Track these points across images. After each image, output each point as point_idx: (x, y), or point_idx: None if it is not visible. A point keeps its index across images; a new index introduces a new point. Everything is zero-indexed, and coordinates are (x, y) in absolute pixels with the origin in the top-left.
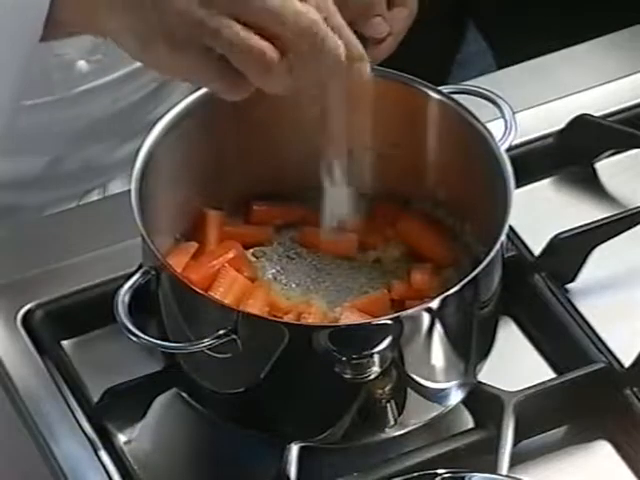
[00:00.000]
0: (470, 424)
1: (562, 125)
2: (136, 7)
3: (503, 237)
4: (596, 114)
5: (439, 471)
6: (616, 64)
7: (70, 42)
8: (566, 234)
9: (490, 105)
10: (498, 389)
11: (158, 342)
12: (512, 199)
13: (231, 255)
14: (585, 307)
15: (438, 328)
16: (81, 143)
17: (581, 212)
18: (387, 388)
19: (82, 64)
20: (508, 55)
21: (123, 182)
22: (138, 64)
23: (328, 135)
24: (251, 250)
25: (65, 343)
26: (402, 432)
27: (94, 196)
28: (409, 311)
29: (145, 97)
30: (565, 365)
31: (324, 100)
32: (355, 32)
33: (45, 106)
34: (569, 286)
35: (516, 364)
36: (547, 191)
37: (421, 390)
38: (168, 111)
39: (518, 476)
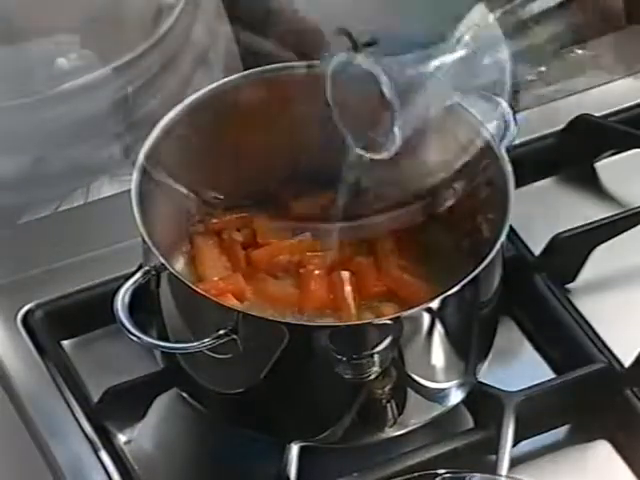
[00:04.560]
0: (470, 424)
1: (562, 125)
2: None
3: (503, 237)
4: (596, 114)
5: (439, 471)
6: (616, 64)
7: (50, 38)
8: (566, 234)
9: (490, 105)
10: (498, 389)
11: (158, 342)
12: (512, 199)
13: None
14: (585, 307)
15: (438, 328)
16: (64, 143)
17: (581, 212)
18: (387, 388)
19: (62, 62)
20: None
21: (107, 183)
22: (121, 62)
23: None
24: None
25: (65, 343)
26: (402, 432)
27: (77, 197)
28: (409, 311)
29: (129, 97)
30: (565, 365)
31: None
32: None
33: (27, 106)
34: (569, 286)
35: (516, 364)
36: (547, 191)
37: (421, 390)
38: (168, 111)
39: (518, 476)
